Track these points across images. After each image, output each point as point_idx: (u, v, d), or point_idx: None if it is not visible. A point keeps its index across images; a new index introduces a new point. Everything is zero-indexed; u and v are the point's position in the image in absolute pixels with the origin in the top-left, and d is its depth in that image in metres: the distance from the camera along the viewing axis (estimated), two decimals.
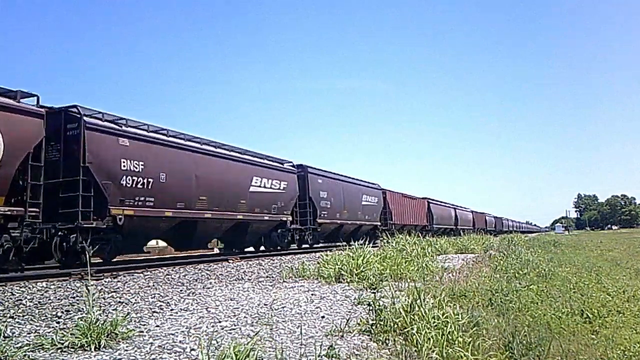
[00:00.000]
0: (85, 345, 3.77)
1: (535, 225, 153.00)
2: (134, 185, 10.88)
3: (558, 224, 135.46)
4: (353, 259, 8.55)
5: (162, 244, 17.72)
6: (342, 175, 22.87)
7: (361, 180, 25.16)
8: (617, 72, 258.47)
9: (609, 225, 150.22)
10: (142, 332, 4.39)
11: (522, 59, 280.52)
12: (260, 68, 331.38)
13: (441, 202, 41.26)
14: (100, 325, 3.96)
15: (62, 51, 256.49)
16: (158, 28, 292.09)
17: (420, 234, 19.40)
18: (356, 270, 8.10)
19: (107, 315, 4.83)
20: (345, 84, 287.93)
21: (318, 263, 9.36)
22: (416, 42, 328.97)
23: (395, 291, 6.33)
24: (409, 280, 7.97)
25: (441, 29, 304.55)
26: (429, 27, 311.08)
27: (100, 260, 10.81)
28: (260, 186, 15.87)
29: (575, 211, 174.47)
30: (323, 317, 5.23)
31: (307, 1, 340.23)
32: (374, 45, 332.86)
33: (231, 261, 12.23)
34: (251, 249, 17.58)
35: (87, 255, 5.42)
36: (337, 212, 21.09)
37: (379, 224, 25.82)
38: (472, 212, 52.20)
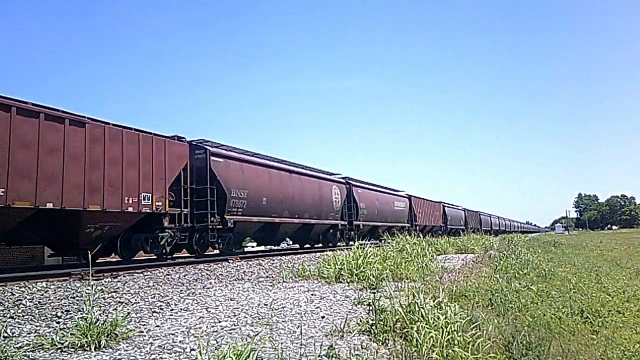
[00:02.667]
0: (85, 345, 3.77)
1: (535, 225, 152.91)
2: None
3: (558, 224, 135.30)
4: (353, 259, 8.54)
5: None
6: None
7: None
8: (617, 72, 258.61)
9: (609, 225, 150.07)
10: (142, 332, 4.39)
11: (523, 58, 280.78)
12: (260, 68, 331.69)
13: (313, 171, 19.99)
14: (100, 325, 3.96)
15: (62, 51, 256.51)
16: (158, 28, 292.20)
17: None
18: (356, 270, 8.10)
19: (107, 315, 4.83)
20: (345, 84, 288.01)
21: (318, 263, 9.35)
22: (415, 42, 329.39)
23: (395, 291, 6.33)
24: (408, 280, 7.97)
25: (441, 28, 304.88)
26: (429, 27, 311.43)
27: (103, 260, 11.13)
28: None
29: (575, 211, 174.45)
30: (323, 317, 5.23)
31: (307, 1, 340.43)
32: (373, 45, 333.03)
33: (231, 261, 12.23)
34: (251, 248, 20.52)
35: (88, 255, 5.42)
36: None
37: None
38: (408, 197, 31.10)
